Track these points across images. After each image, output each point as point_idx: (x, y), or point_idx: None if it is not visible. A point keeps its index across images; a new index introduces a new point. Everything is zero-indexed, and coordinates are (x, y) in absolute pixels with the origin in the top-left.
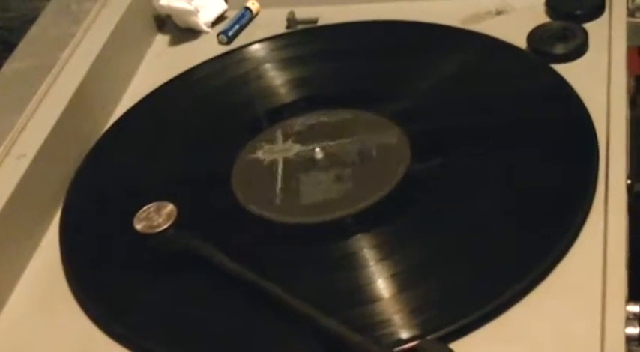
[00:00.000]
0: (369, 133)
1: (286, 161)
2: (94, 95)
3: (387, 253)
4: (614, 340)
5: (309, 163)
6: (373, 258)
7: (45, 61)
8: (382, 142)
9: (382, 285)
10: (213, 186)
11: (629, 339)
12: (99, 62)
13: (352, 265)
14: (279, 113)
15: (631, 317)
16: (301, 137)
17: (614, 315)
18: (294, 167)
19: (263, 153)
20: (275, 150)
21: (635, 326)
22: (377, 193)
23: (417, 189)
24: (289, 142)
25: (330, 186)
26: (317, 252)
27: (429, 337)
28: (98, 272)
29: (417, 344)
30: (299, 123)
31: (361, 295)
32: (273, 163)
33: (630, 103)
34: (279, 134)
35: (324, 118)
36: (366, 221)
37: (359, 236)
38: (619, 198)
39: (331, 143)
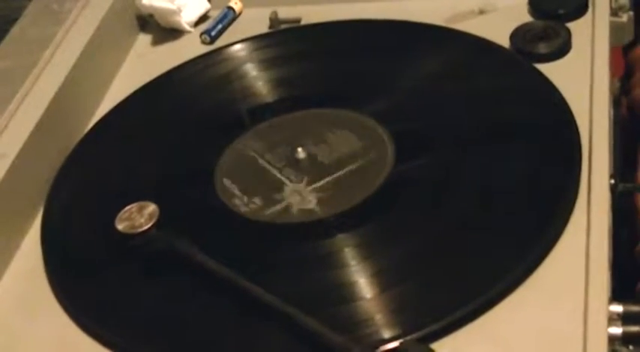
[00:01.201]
0: (351, 133)
1: (269, 161)
2: (76, 95)
3: (369, 253)
4: (597, 340)
5: (291, 163)
6: (355, 258)
7: (26, 61)
8: (365, 142)
9: (364, 285)
10: (196, 185)
11: (613, 339)
12: (81, 62)
13: (334, 265)
14: (262, 112)
15: (615, 317)
16: (284, 137)
17: (597, 315)
18: (277, 167)
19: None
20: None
21: (618, 326)
22: (360, 193)
23: (399, 189)
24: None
25: (313, 185)
26: (299, 252)
27: (410, 337)
28: (80, 274)
29: (398, 345)
30: (280, 122)
31: (343, 294)
32: (256, 163)
33: (615, 104)
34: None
35: (307, 118)
36: (348, 221)
37: (341, 235)
38: (602, 198)
39: (314, 143)
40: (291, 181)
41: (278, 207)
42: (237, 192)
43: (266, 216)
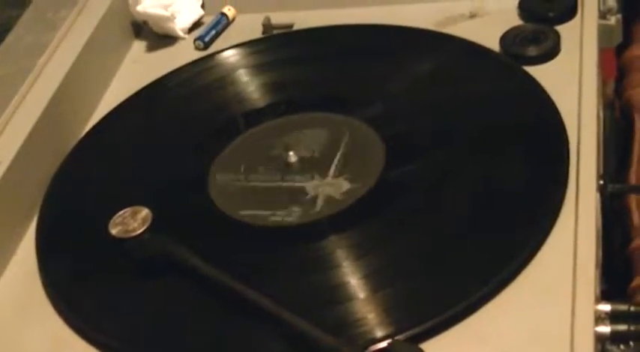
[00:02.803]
0: (343, 137)
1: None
2: (72, 101)
3: (361, 254)
4: (584, 338)
5: (283, 167)
6: (346, 259)
7: (22, 68)
8: (357, 146)
9: (355, 286)
10: (189, 190)
11: (601, 338)
12: (76, 68)
13: (326, 266)
14: (256, 117)
15: (603, 316)
16: (277, 141)
17: (584, 315)
18: (269, 170)
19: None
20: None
21: (606, 325)
22: (351, 195)
23: (390, 191)
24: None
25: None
26: (292, 254)
27: (399, 337)
28: (75, 278)
29: (387, 345)
30: (270, 128)
31: (335, 295)
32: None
33: (609, 106)
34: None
35: (299, 122)
36: (340, 222)
37: (333, 237)
38: (589, 199)
39: (305, 147)
40: (307, 180)
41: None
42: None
43: (259, 219)
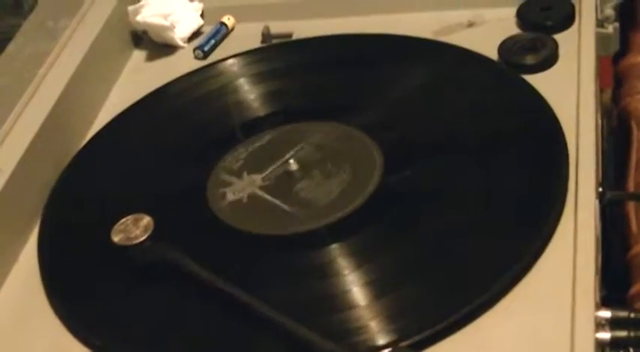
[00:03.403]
0: (343, 145)
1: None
2: (72, 111)
3: (362, 262)
4: (584, 345)
5: (284, 176)
6: (348, 267)
7: (22, 78)
8: (356, 154)
9: (357, 293)
10: (190, 198)
11: (602, 344)
12: (76, 78)
13: (327, 274)
14: (255, 126)
15: (603, 322)
16: (276, 149)
17: (584, 321)
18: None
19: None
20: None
21: (606, 331)
22: (351, 204)
23: (390, 199)
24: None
25: (304, 197)
26: (293, 262)
27: (402, 344)
28: (77, 286)
29: None
30: (270, 137)
31: (336, 303)
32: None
33: (607, 114)
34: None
35: (299, 131)
36: (340, 231)
37: (334, 245)
38: (588, 206)
39: (305, 155)
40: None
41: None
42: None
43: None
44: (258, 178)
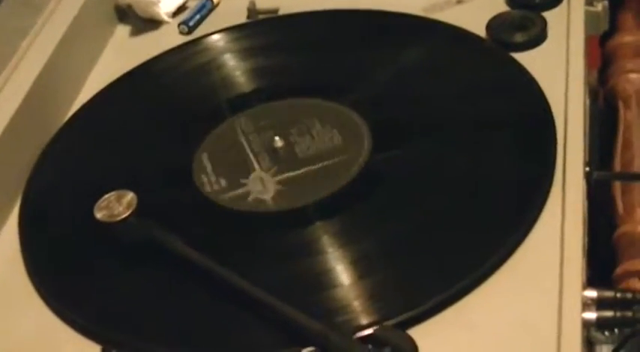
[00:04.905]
0: (330, 122)
1: (250, 143)
2: (55, 84)
3: (347, 241)
4: (571, 325)
5: (268, 150)
6: (333, 246)
7: (5, 51)
8: (343, 131)
9: (342, 272)
10: (175, 175)
11: (588, 324)
12: (58, 52)
13: (313, 252)
14: (240, 102)
15: (589, 302)
16: (273, 123)
17: (571, 301)
18: (254, 151)
19: (233, 134)
20: (244, 131)
21: (592, 311)
22: (338, 182)
23: (377, 178)
24: (261, 126)
25: (278, 176)
26: (278, 240)
27: (387, 323)
28: (58, 263)
29: (374, 331)
30: (263, 111)
31: (321, 282)
32: (238, 147)
33: (593, 95)
34: (253, 116)
35: (286, 107)
36: (326, 209)
37: (319, 223)
38: (576, 185)
39: (292, 132)
40: (260, 168)
41: (239, 191)
42: (209, 170)
43: (225, 199)
44: (244, 155)
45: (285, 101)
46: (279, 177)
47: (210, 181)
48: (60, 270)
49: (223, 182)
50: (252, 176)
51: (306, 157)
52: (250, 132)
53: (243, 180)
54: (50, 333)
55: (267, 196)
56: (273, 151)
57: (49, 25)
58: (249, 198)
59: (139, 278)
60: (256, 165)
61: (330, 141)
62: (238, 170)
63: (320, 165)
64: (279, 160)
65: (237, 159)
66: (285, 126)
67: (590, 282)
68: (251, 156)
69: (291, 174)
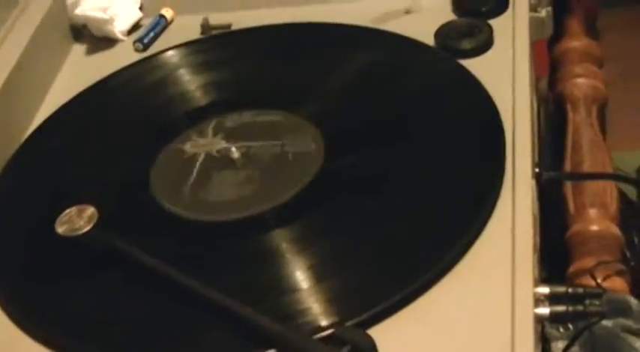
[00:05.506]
0: (284, 132)
1: (207, 158)
2: (12, 105)
3: (304, 246)
4: (524, 319)
5: (226, 162)
6: (291, 251)
7: None
8: (297, 141)
9: (301, 276)
10: (133, 188)
11: (541, 319)
12: (16, 73)
13: (271, 258)
14: (196, 116)
15: (542, 298)
16: (218, 139)
17: (523, 297)
18: (213, 166)
19: (190, 146)
20: (201, 143)
21: (545, 307)
22: (292, 189)
23: (331, 185)
24: (217, 138)
25: (244, 184)
26: (237, 248)
27: (347, 324)
28: (19, 274)
29: (334, 331)
30: (219, 124)
31: (281, 286)
32: (194, 159)
33: (543, 101)
34: (209, 129)
35: (242, 119)
36: (282, 216)
37: (276, 231)
38: (525, 186)
39: (247, 143)
40: (218, 178)
41: (196, 200)
42: (165, 182)
43: (203, 215)
44: (200, 167)
45: (241, 113)
46: (237, 187)
47: (167, 193)
48: (21, 281)
49: (180, 193)
50: (210, 186)
51: (263, 167)
52: (206, 145)
53: (200, 191)
54: (10, 343)
55: (226, 205)
56: (229, 162)
57: (5, 45)
58: (207, 207)
59: (99, 288)
60: (214, 176)
61: (285, 150)
62: (196, 182)
63: (276, 174)
64: (236, 170)
65: (194, 170)
66: (241, 137)
67: (547, 280)
68: (208, 167)
69: (249, 183)
